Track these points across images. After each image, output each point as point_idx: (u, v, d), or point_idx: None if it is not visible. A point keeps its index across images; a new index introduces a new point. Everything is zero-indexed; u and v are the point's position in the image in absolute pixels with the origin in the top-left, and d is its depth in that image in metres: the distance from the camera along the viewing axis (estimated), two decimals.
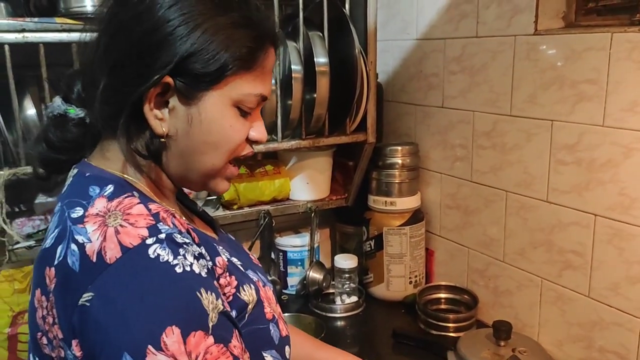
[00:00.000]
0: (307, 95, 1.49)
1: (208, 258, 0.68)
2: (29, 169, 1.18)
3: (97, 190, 0.67)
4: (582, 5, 1.26)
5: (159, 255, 0.61)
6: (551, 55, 1.24)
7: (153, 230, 0.63)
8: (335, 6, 1.47)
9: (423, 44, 1.61)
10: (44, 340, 0.66)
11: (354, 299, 1.62)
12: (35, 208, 1.33)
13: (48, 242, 0.66)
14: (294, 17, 1.48)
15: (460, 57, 1.48)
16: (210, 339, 0.60)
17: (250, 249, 1.57)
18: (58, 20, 1.16)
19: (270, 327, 0.77)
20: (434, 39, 1.57)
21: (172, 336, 0.58)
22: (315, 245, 1.69)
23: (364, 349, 1.42)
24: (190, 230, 0.69)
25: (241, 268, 0.78)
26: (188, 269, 0.62)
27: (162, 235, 0.63)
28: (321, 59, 1.45)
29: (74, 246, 0.62)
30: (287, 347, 0.81)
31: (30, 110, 1.26)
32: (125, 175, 0.71)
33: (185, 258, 0.62)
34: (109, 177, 0.70)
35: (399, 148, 1.61)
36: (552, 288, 1.31)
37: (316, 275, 1.64)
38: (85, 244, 0.61)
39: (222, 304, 0.65)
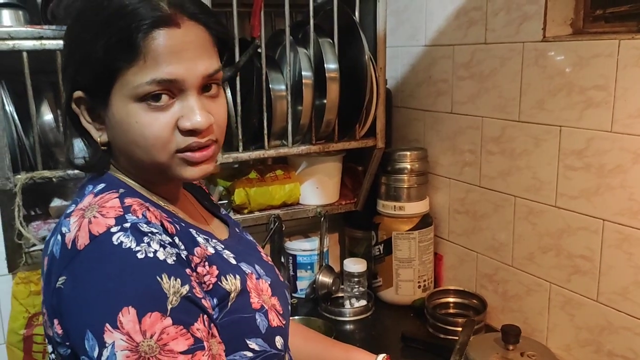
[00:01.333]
0: (317, 100, 1.51)
1: (182, 247, 0.73)
2: (45, 173, 1.21)
3: (90, 188, 0.75)
4: (589, 13, 1.28)
5: (121, 242, 0.66)
6: (559, 62, 1.25)
7: (119, 220, 0.68)
8: (345, 13, 1.49)
9: (432, 50, 1.63)
10: (47, 323, 0.72)
11: (363, 302, 1.63)
12: (51, 211, 1.35)
13: (49, 235, 0.74)
14: (305, 24, 1.50)
15: (469, 63, 1.50)
16: (168, 320, 0.64)
17: None
18: None
19: (257, 317, 0.79)
20: (442, 45, 1.58)
21: (127, 315, 0.62)
22: (325, 249, 1.70)
23: (372, 353, 1.43)
24: (164, 221, 0.73)
25: (232, 260, 0.81)
26: (151, 255, 0.66)
27: (127, 225, 0.67)
28: (331, 65, 1.46)
29: (59, 237, 0.69)
30: (278, 337, 0.82)
31: (47, 116, 1.28)
32: (117, 174, 0.78)
33: (149, 245, 0.67)
34: (105, 176, 0.77)
35: (408, 153, 1.62)
36: (560, 292, 1.31)
37: (325, 279, 1.65)
38: (65, 234, 0.68)
39: (190, 290, 0.68)
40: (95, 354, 0.62)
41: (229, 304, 0.76)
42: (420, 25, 1.65)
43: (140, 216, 0.69)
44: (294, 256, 1.71)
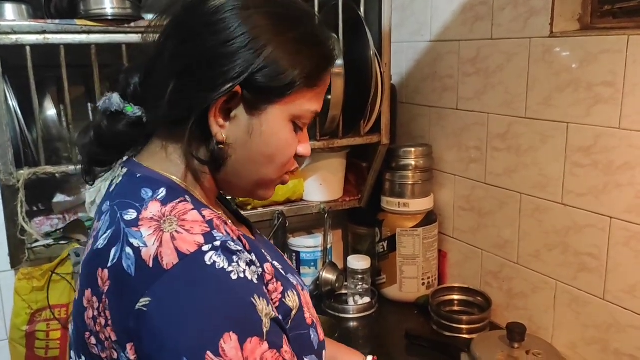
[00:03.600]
0: None
1: (258, 265, 0.69)
2: (48, 169, 1.20)
3: (150, 193, 0.67)
4: (597, 8, 1.26)
5: (214, 262, 0.62)
6: (566, 58, 1.24)
7: (208, 238, 0.63)
8: (350, 8, 1.48)
9: (437, 45, 1.61)
10: (93, 341, 0.65)
11: (367, 300, 1.62)
12: (54, 207, 1.34)
13: (100, 243, 0.65)
14: None
15: (475, 59, 1.48)
16: (265, 345, 0.62)
17: None
18: (78, 22, 1.18)
19: (311, 332, 0.77)
20: (448, 41, 1.57)
21: (230, 342, 0.59)
22: (329, 246, 1.69)
23: (376, 350, 1.42)
24: (241, 237, 0.70)
25: (283, 272, 0.77)
26: (242, 275, 0.63)
27: (217, 243, 0.63)
28: (337, 60, 1.45)
29: (129, 250, 0.62)
30: (324, 352, 0.81)
31: (51, 111, 1.28)
32: (175, 178, 0.71)
33: (239, 265, 0.63)
34: (161, 179, 0.70)
35: (413, 149, 1.61)
36: (567, 290, 1.30)
37: (329, 276, 1.64)
38: (141, 248, 0.62)
39: (273, 310, 0.66)
40: None
41: (290, 321, 0.73)
42: (425, 21, 1.64)
43: (224, 232, 0.66)
44: (298, 253, 1.70)
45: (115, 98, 0.74)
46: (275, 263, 0.78)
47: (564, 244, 1.29)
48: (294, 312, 0.74)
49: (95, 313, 0.64)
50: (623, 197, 1.15)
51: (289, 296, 0.74)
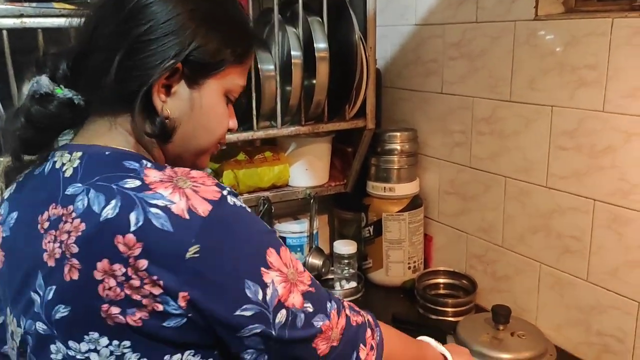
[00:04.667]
0: (307, 81, 1.48)
1: None
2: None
3: (136, 164, 0.71)
4: None
5: (234, 202, 0.71)
6: (551, 41, 1.24)
7: (220, 186, 0.71)
8: None
9: (422, 29, 1.61)
10: (114, 310, 0.67)
11: (353, 284, 1.63)
12: None
13: (110, 213, 0.67)
14: (293, 3, 1.47)
15: (459, 42, 1.48)
16: (288, 251, 0.74)
17: None
18: (56, 5, 1.15)
19: None
20: (432, 25, 1.56)
21: (272, 255, 0.71)
22: (315, 232, 1.69)
23: None
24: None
25: None
26: (249, 209, 0.74)
27: (228, 189, 0.72)
28: (321, 44, 1.44)
29: (155, 210, 0.66)
30: None
31: None
32: (137, 152, 0.76)
33: (243, 203, 0.73)
34: (130, 153, 0.75)
35: (398, 134, 1.61)
36: (550, 273, 1.32)
37: (315, 261, 1.64)
38: (169, 206, 0.66)
39: None
40: (260, 296, 0.69)
41: None
42: (410, 4, 1.63)
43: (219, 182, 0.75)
44: (284, 238, 1.69)
45: (45, 80, 0.77)
46: None
47: (547, 226, 1.30)
48: None
49: (122, 279, 0.66)
50: (606, 180, 1.16)
51: None
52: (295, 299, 0.71)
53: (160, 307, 0.67)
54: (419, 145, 1.64)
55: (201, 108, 0.78)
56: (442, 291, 1.59)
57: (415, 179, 1.63)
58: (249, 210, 0.73)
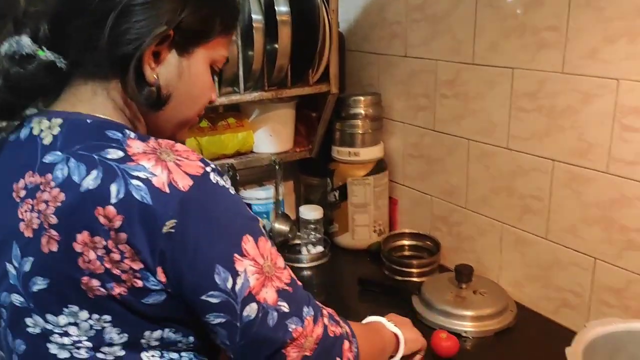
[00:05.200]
0: (269, 45, 1.46)
1: None
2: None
3: (119, 134, 0.69)
4: None
5: (217, 180, 0.69)
6: (512, 3, 1.24)
7: (204, 162, 0.69)
8: None
9: None
10: (95, 283, 0.66)
11: (320, 249, 1.64)
12: None
13: (91, 184, 0.64)
14: None
15: (422, 4, 1.47)
16: (269, 242, 0.72)
17: None
18: None
19: None
20: None
21: (248, 243, 0.68)
22: (280, 198, 1.69)
23: (330, 297, 1.45)
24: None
25: None
26: (234, 192, 0.71)
27: (213, 166, 0.70)
28: (282, 7, 1.41)
29: (136, 182, 0.64)
30: None
31: None
32: (121, 122, 0.73)
33: (228, 183, 0.71)
34: (114, 122, 0.72)
35: (362, 98, 1.60)
36: (512, 232, 1.35)
37: (282, 226, 1.65)
38: (150, 179, 0.64)
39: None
40: (229, 284, 0.66)
41: None
42: None
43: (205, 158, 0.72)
44: (250, 205, 1.69)
45: (26, 40, 0.72)
46: None
47: (509, 187, 1.33)
48: None
49: (102, 252, 0.65)
50: (565, 141, 1.19)
51: None
52: (268, 295, 0.68)
53: (140, 283, 0.66)
54: (383, 109, 1.64)
55: (189, 77, 0.76)
56: (407, 253, 1.62)
57: (380, 143, 1.64)
58: (233, 192, 0.70)
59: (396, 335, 0.96)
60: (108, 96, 0.73)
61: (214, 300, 0.66)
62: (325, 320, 0.75)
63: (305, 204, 1.77)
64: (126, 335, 0.69)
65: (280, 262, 0.72)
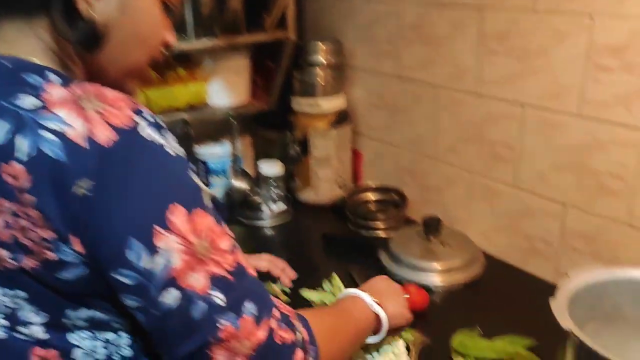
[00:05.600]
0: None
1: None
2: None
3: (38, 78, 0.58)
4: None
5: (152, 137, 0.58)
6: None
7: (139, 113, 0.58)
8: None
9: None
10: (3, 253, 0.57)
11: (282, 206, 1.57)
12: None
13: None
14: None
15: None
16: (211, 218, 0.60)
17: None
18: None
19: None
20: None
21: (177, 214, 0.56)
22: (238, 154, 1.60)
23: (294, 255, 1.39)
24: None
25: None
26: (176, 150, 0.60)
27: (150, 118, 0.59)
28: None
29: (48, 135, 0.54)
30: None
31: None
32: (51, 65, 0.63)
33: (169, 142, 0.60)
34: (35, 65, 0.61)
35: (322, 45, 1.51)
36: (481, 182, 1.31)
37: (241, 184, 1.56)
38: (65, 131, 0.55)
39: (207, 189, 0.64)
40: (143, 262, 0.55)
41: None
42: None
43: (145, 109, 0.60)
44: (205, 162, 1.60)
45: None
46: None
47: (479, 135, 1.28)
48: None
49: (9, 218, 0.56)
50: (538, 84, 1.13)
51: None
52: (196, 281, 0.56)
53: (53, 256, 0.57)
54: (345, 56, 1.56)
55: (134, 11, 0.66)
56: (372, 207, 1.57)
57: (342, 93, 1.56)
58: (174, 153, 0.59)
59: (378, 315, 0.86)
60: (36, 35, 0.62)
61: (124, 280, 0.56)
62: (273, 323, 0.62)
63: (264, 159, 1.69)
64: (45, 314, 0.60)
65: (225, 243, 0.60)
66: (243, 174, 1.58)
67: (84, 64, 0.67)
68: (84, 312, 0.61)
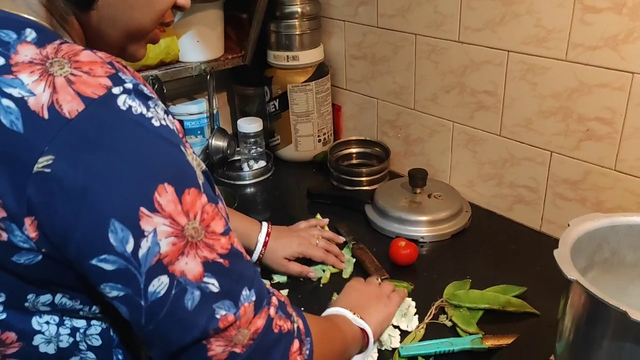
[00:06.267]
0: None
1: (172, 117, 0.59)
2: None
3: (13, 35, 0.53)
4: None
5: (130, 106, 0.51)
6: None
7: (116, 79, 0.52)
8: None
9: None
10: None
11: (262, 163, 1.53)
12: None
13: None
14: None
15: None
16: (204, 198, 0.54)
17: None
18: None
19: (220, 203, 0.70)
20: None
21: (165, 195, 0.51)
22: (215, 111, 1.55)
23: (278, 213, 1.37)
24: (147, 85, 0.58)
25: None
26: (164, 123, 0.53)
27: (129, 85, 0.52)
28: None
29: (7, 102, 0.49)
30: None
31: None
32: (37, 20, 0.56)
33: (157, 112, 0.53)
34: (20, 19, 0.55)
35: None
36: (463, 131, 1.29)
37: (219, 143, 1.52)
38: (26, 98, 0.49)
39: (201, 162, 0.58)
40: (129, 246, 0.50)
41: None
42: None
43: (130, 75, 0.54)
44: (181, 121, 1.54)
45: None
46: None
47: (461, 84, 1.25)
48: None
49: None
50: (521, 28, 1.10)
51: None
52: (188, 266, 0.52)
53: (4, 236, 0.51)
54: (321, 6, 1.50)
55: None
56: (355, 161, 1.54)
57: (320, 44, 1.50)
58: (159, 123, 0.52)
59: (364, 329, 0.83)
60: None
61: (107, 267, 0.50)
62: (272, 310, 0.59)
63: (242, 116, 1.64)
64: (3, 294, 0.56)
65: (218, 225, 0.55)
66: (221, 132, 1.54)
67: (80, 25, 0.60)
68: (47, 297, 0.56)
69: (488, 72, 1.19)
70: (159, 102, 0.55)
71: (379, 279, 0.99)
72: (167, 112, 0.55)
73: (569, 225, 0.64)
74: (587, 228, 0.64)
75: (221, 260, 0.54)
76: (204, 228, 0.53)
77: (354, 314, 0.83)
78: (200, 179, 0.55)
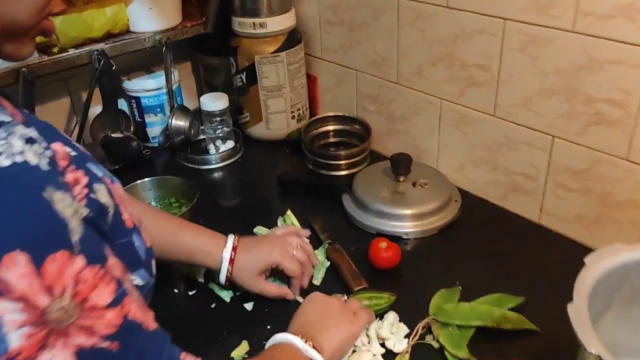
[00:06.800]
0: None
1: (44, 144, 0.47)
2: None
3: None
4: None
5: None
6: None
7: None
8: None
9: None
10: None
11: (230, 144, 1.38)
12: None
13: None
14: None
15: None
16: (80, 261, 0.42)
17: (87, 102, 1.23)
18: None
19: (134, 239, 0.57)
20: None
21: (15, 268, 0.38)
22: (174, 86, 1.38)
23: (247, 200, 1.24)
24: (5, 102, 0.45)
25: (79, 160, 0.54)
26: (19, 159, 0.41)
27: None
28: None
29: None
30: (152, 260, 0.62)
31: None
32: None
33: (10, 144, 0.42)
34: None
35: None
36: (453, 109, 1.14)
37: (180, 122, 1.36)
38: None
39: (81, 207, 0.45)
40: None
41: (105, 227, 0.51)
42: None
43: None
44: (138, 99, 1.38)
45: None
46: (67, 147, 0.52)
47: (450, 56, 1.09)
48: (110, 213, 0.52)
49: None
50: None
51: (98, 190, 0.51)
52: None
53: None
54: None
55: None
56: (332, 139, 1.39)
57: (291, 9, 1.32)
58: (7, 161, 0.40)
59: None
60: None
61: None
62: None
63: (208, 91, 1.47)
64: None
65: (102, 295, 0.43)
66: (183, 111, 1.38)
67: None
68: None
69: (481, 43, 1.03)
70: (16, 129, 0.41)
71: (345, 296, 0.86)
72: (30, 141, 0.42)
73: (584, 263, 0.50)
74: (605, 268, 0.51)
75: (106, 345, 0.42)
76: (77, 305, 0.41)
77: (306, 341, 0.69)
78: (76, 234, 0.42)
